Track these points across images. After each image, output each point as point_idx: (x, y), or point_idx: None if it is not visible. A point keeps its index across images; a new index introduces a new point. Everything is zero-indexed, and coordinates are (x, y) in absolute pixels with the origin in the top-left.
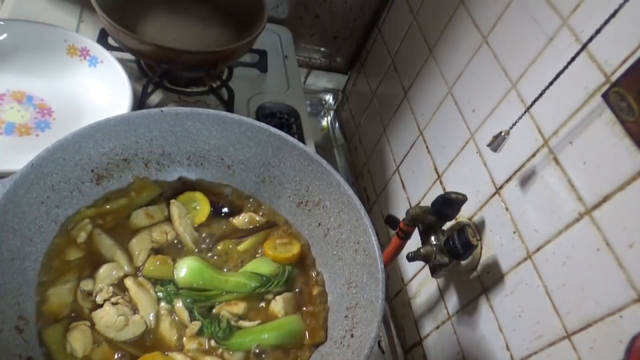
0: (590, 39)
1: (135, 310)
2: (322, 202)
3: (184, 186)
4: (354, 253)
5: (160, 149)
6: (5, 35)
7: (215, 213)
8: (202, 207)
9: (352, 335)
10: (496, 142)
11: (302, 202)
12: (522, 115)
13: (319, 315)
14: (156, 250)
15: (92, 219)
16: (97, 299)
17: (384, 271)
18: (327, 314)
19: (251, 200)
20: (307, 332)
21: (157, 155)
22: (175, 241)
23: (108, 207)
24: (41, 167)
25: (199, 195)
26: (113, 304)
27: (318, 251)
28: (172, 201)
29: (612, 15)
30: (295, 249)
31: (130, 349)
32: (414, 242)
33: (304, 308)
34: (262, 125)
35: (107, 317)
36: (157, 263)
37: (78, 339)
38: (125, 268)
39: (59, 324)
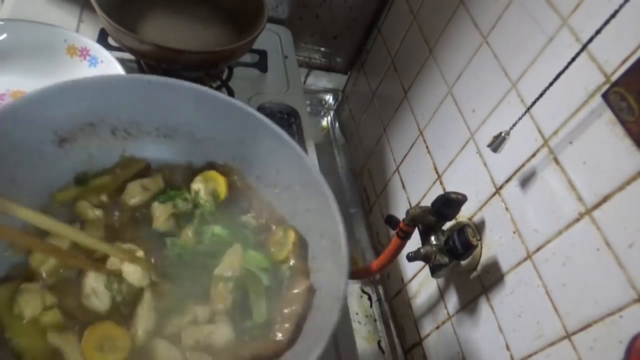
0: (591, 39)
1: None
2: (292, 187)
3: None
4: (319, 238)
5: (128, 117)
6: (5, 35)
7: None
8: (220, 185)
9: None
10: (496, 143)
11: (270, 185)
12: (523, 115)
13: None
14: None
15: (86, 199)
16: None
17: (348, 258)
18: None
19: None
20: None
21: (125, 123)
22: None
23: (95, 183)
24: (2, 124)
25: (214, 174)
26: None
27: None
28: (196, 178)
29: (612, 15)
30: (290, 242)
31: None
32: (414, 242)
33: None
34: (237, 102)
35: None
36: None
37: (28, 302)
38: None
39: (8, 284)
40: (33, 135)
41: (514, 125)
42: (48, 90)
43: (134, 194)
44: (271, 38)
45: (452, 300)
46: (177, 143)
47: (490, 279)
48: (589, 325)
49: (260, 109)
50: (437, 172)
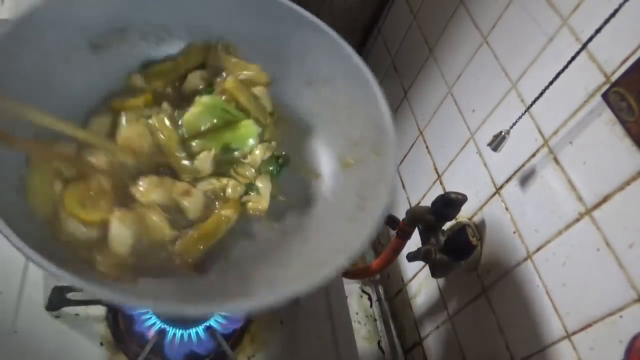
0: (590, 39)
1: None
2: (331, 79)
3: None
4: (363, 131)
5: (158, 19)
6: None
7: None
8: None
9: (362, 209)
10: (496, 142)
11: (309, 82)
12: (522, 115)
13: None
14: None
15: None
16: None
17: (395, 142)
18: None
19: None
20: None
21: (154, 27)
22: None
23: (157, 69)
24: (30, 26)
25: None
26: None
27: (325, 133)
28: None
29: (612, 15)
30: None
31: None
32: (414, 242)
33: None
34: None
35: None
36: None
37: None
38: None
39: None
40: (63, 41)
41: (514, 124)
42: None
43: (194, 85)
44: None
45: (452, 300)
46: None
47: (490, 279)
48: (589, 325)
49: None
50: (437, 172)
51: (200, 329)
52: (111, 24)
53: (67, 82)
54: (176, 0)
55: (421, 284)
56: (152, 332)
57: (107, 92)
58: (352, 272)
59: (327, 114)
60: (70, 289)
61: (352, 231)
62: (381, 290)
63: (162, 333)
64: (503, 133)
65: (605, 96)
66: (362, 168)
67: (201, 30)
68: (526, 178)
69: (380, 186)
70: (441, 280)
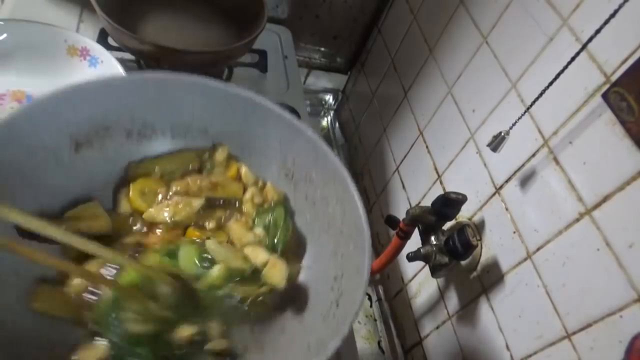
0: (590, 39)
1: None
2: (309, 175)
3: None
4: (340, 225)
5: (141, 118)
6: (5, 35)
7: None
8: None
9: (337, 305)
10: (496, 142)
11: (288, 175)
12: (522, 115)
13: None
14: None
15: None
16: None
17: (369, 240)
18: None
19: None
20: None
21: (138, 125)
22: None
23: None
24: (16, 127)
25: None
26: None
27: (305, 224)
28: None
29: (612, 15)
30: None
31: None
32: (414, 242)
33: None
34: (249, 94)
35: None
36: None
37: None
38: None
39: None
40: (48, 140)
41: (513, 124)
42: (61, 93)
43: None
44: (271, 38)
45: (452, 300)
46: (192, 142)
47: (490, 279)
48: (589, 325)
49: None
50: (437, 172)
51: None
52: (98, 123)
53: (49, 178)
54: (159, 99)
55: (421, 284)
56: None
57: (88, 186)
58: None
59: (305, 206)
60: None
61: (326, 329)
62: (381, 290)
63: None
64: (502, 133)
65: (605, 96)
66: (341, 261)
67: (183, 127)
68: (526, 178)
69: (357, 280)
70: (441, 280)
